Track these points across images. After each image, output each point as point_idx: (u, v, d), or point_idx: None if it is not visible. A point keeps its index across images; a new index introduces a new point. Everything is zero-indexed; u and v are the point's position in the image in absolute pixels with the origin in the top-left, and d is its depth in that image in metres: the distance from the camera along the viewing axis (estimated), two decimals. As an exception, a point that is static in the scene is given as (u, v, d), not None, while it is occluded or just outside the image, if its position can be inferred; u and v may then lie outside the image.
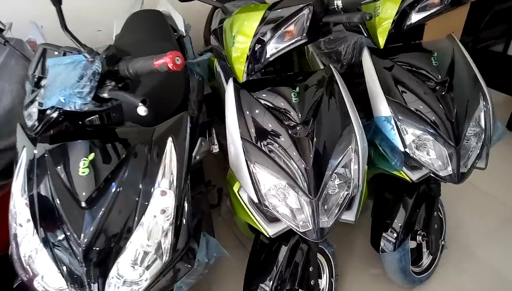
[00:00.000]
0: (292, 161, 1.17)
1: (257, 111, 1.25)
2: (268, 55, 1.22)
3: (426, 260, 1.75)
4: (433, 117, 1.36)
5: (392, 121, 1.39)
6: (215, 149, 1.33)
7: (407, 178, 1.43)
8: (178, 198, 1.02)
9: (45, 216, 0.94)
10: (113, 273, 0.93)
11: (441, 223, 1.77)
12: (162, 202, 0.99)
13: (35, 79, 0.99)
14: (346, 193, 1.24)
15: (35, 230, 0.94)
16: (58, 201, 0.94)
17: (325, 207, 1.22)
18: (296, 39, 1.19)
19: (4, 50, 1.42)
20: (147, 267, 0.96)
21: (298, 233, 1.20)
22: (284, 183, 1.17)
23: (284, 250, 1.39)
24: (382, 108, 1.41)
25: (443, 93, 1.39)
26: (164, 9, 2.08)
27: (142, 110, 0.84)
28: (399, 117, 1.38)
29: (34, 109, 0.95)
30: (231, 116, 1.25)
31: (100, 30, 2.18)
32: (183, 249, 1.02)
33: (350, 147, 1.23)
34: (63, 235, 0.92)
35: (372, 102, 1.46)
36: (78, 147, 0.99)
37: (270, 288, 1.33)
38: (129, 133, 1.06)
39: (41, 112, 0.94)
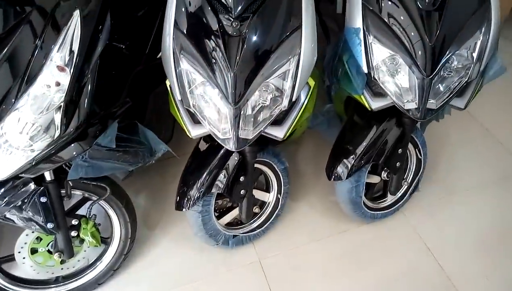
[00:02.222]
0: (220, 62, 1.06)
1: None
2: None
3: (389, 199, 1.62)
4: (410, 38, 1.14)
5: (361, 35, 1.19)
6: None
7: (367, 105, 1.26)
8: (77, 76, 0.98)
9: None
10: None
11: (416, 163, 1.60)
12: (57, 76, 0.96)
13: None
14: (278, 106, 1.12)
15: None
16: None
17: (258, 118, 1.13)
18: None
19: None
20: (33, 138, 0.96)
21: (217, 140, 1.13)
22: (207, 84, 1.08)
23: (220, 153, 1.34)
24: (356, 17, 1.20)
25: (431, 9, 1.13)
26: None
27: None
28: (371, 31, 1.17)
29: None
30: (170, 3, 1.13)
31: None
32: (77, 129, 1.00)
33: (290, 56, 1.08)
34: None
35: (347, 7, 1.24)
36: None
37: (198, 187, 1.32)
38: None
39: None
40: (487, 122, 2.10)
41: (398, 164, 1.44)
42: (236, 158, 1.32)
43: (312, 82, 1.18)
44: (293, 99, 1.12)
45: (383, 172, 1.53)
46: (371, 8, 1.17)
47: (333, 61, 1.38)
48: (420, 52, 1.13)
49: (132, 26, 1.53)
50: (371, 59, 1.18)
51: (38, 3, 0.98)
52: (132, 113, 1.34)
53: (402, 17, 1.14)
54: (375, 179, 1.55)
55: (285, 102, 1.11)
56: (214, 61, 1.06)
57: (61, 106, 0.96)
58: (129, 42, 1.49)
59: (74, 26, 0.97)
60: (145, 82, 1.56)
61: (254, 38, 1.06)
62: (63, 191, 1.22)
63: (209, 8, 1.08)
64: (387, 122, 1.40)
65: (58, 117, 0.97)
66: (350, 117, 1.51)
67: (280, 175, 1.52)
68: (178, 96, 1.13)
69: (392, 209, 1.63)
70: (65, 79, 0.96)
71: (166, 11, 1.15)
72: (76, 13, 0.97)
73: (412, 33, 1.13)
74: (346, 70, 1.27)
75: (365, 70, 1.20)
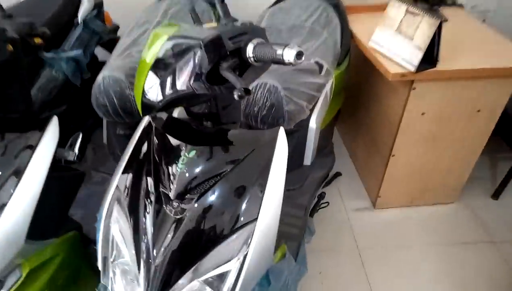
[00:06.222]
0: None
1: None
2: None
3: None
4: (141, 251, 0.90)
5: (102, 224, 0.97)
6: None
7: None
8: None
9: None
10: None
11: None
12: None
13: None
14: None
15: None
16: None
17: None
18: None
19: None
20: None
21: None
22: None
23: None
24: (104, 203, 0.99)
25: (174, 217, 0.90)
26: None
27: None
28: (112, 222, 0.96)
29: None
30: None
31: None
32: None
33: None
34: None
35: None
36: None
37: None
38: None
39: None
40: None
41: None
42: None
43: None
44: None
45: None
46: (120, 199, 0.97)
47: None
48: (145, 269, 0.88)
49: None
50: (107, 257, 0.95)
51: None
52: None
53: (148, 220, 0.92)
54: None
55: None
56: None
57: None
58: None
59: None
60: None
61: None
62: None
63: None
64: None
65: None
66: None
67: None
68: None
69: None
70: None
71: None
72: None
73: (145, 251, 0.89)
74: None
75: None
